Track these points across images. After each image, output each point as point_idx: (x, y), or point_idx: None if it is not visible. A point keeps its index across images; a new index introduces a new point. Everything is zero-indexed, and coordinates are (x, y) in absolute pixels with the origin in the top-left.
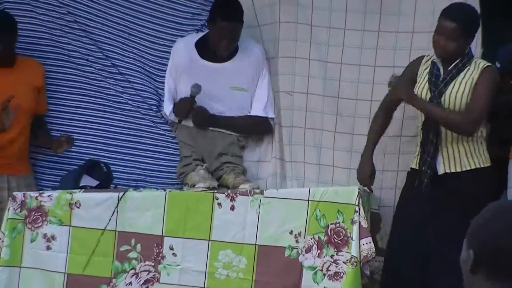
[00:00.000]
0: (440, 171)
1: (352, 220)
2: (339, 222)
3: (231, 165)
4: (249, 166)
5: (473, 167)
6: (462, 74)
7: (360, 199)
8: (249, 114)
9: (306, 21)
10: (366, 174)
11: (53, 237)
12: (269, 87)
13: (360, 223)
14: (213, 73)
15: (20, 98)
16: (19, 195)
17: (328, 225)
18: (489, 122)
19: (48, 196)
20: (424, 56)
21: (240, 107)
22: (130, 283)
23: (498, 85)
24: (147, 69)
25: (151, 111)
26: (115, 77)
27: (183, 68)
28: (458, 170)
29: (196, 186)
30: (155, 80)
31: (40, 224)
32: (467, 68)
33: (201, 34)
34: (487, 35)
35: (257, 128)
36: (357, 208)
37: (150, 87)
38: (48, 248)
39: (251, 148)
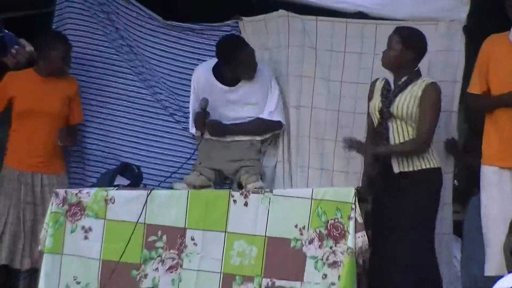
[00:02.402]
0: (396, 170)
1: (349, 216)
2: (337, 218)
3: (246, 167)
4: (267, 171)
5: (423, 167)
6: (409, 88)
7: (356, 198)
8: (258, 116)
9: (311, 45)
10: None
11: (90, 229)
12: (279, 98)
13: (356, 219)
14: (229, 94)
15: (49, 104)
16: (61, 192)
17: (328, 220)
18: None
19: (87, 193)
20: (378, 78)
21: (252, 117)
22: (157, 269)
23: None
24: (172, 88)
25: (177, 123)
26: (150, 91)
27: (203, 90)
28: (411, 169)
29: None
30: (178, 100)
31: (79, 218)
32: (414, 83)
33: (215, 60)
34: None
35: (266, 127)
36: (353, 206)
37: (175, 104)
38: (86, 238)
39: (269, 155)
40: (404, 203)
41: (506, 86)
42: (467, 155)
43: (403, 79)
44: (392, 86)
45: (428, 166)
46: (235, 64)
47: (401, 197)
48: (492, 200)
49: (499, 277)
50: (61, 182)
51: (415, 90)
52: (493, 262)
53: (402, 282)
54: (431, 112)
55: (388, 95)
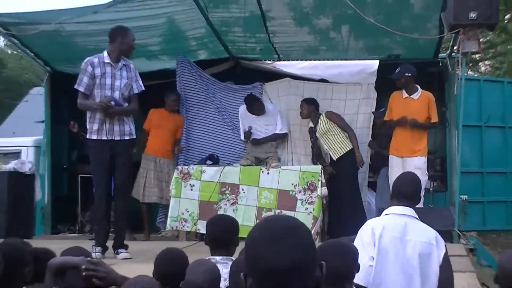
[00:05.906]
0: (334, 158)
1: (318, 179)
2: (313, 180)
3: (270, 156)
4: (281, 156)
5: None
6: (320, 122)
7: (322, 171)
8: (274, 132)
9: (301, 95)
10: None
11: (193, 185)
12: (283, 120)
13: (321, 180)
14: (257, 120)
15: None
16: (179, 167)
17: (308, 181)
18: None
19: (192, 168)
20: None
21: (270, 132)
22: (226, 204)
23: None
24: (231, 115)
25: (235, 134)
26: (224, 117)
27: (243, 118)
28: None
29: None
30: (234, 121)
31: (188, 180)
32: (320, 118)
33: None
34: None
35: (278, 137)
36: (320, 174)
37: (233, 123)
38: (191, 189)
39: (281, 148)
40: (342, 175)
41: (397, 117)
42: (380, 149)
43: (315, 120)
44: (313, 125)
45: (348, 149)
46: (253, 108)
47: (340, 172)
48: (392, 173)
49: None
50: (172, 163)
51: (323, 120)
52: None
53: (346, 214)
54: (343, 123)
55: (314, 131)
